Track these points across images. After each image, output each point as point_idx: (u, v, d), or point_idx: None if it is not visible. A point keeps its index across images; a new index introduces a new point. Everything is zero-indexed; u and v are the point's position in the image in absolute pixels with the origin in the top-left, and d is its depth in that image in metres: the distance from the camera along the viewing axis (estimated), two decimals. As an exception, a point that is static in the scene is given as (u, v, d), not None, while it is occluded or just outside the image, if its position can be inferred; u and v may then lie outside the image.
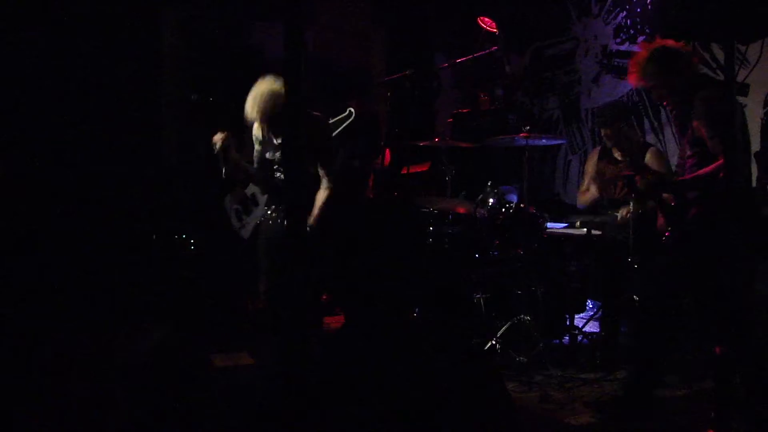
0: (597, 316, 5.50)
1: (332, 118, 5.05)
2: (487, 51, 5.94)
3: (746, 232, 3.79)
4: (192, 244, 5.28)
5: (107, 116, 5.85)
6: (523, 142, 5.27)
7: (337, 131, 5.01)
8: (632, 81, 4.16)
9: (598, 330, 5.35)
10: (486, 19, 6.06)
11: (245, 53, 6.82)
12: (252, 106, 4.62)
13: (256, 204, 5.18)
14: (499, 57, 6.07)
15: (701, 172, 3.85)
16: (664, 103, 4.34)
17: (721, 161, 3.74)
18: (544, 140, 5.90)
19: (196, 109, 6.02)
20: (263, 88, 4.62)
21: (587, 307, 5.81)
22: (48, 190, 5.40)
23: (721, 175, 3.72)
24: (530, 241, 5.17)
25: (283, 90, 4.75)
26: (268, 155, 4.77)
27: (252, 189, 5.02)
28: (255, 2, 6.94)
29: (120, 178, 5.79)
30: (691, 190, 3.94)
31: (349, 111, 4.93)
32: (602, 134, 5.45)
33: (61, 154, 5.52)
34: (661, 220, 4.37)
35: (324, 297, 5.94)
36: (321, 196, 4.54)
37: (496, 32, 5.91)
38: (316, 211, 4.49)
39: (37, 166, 5.44)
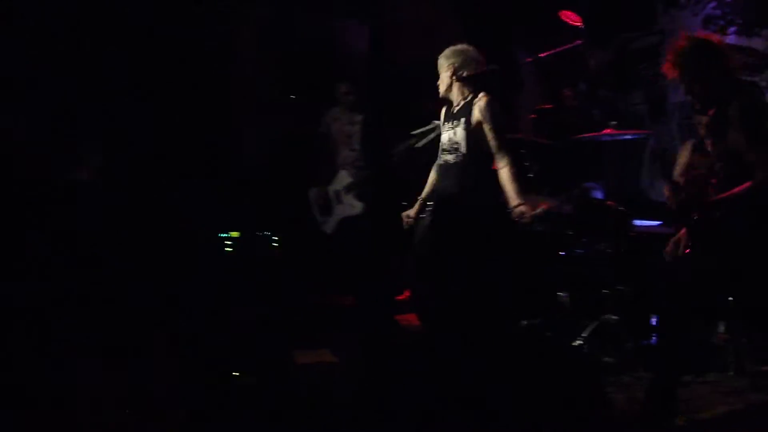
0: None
1: (414, 131, 4.92)
2: (571, 45, 5.81)
3: None
4: (275, 242, 5.31)
5: (185, 116, 5.92)
6: (608, 138, 5.16)
7: (420, 143, 4.87)
8: (667, 70, 3.90)
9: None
10: (569, 13, 5.94)
11: (321, 51, 6.83)
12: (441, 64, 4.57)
13: (340, 202, 5.18)
14: (583, 51, 5.93)
15: (738, 190, 3.60)
16: (695, 104, 4.02)
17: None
18: (629, 135, 5.75)
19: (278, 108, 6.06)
20: (454, 47, 4.58)
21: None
22: (119, 191, 5.48)
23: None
24: (617, 238, 5.06)
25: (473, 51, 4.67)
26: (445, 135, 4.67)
27: (336, 186, 5.02)
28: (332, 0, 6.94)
29: (199, 181, 5.86)
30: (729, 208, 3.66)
31: (435, 124, 4.81)
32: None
33: (134, 155, 5.60)
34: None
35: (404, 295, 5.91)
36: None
37: (580, 26, 5.78)
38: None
39: (105, 167, 5.53)
